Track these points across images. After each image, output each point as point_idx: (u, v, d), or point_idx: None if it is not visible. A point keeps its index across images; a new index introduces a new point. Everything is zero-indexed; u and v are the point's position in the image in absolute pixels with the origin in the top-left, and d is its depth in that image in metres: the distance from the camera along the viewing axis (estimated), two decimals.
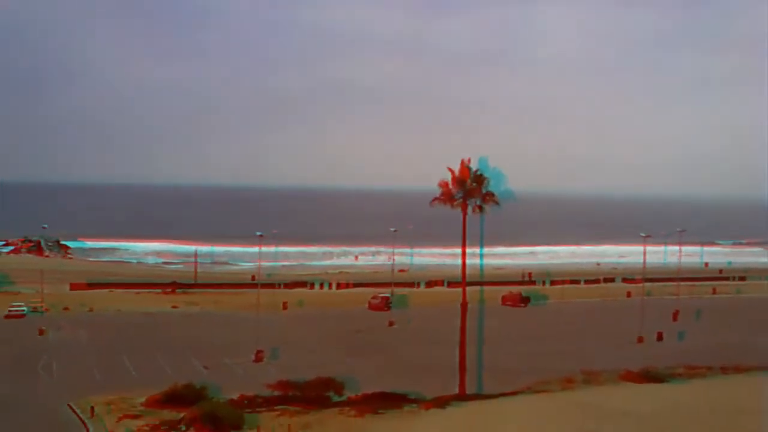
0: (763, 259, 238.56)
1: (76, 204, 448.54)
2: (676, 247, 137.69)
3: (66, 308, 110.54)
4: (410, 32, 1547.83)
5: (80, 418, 55.86)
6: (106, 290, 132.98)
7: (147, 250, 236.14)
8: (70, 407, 58.49)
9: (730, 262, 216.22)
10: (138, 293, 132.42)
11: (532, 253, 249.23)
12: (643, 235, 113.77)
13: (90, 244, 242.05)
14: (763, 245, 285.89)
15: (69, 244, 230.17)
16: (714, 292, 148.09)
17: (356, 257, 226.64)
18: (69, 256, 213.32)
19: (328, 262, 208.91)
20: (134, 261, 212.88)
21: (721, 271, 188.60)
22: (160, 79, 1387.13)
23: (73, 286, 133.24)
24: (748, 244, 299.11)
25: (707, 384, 65.29)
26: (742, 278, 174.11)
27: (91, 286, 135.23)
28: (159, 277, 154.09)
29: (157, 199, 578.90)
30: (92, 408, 56.91)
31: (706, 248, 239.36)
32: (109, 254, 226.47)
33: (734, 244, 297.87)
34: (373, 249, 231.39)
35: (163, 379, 65.14)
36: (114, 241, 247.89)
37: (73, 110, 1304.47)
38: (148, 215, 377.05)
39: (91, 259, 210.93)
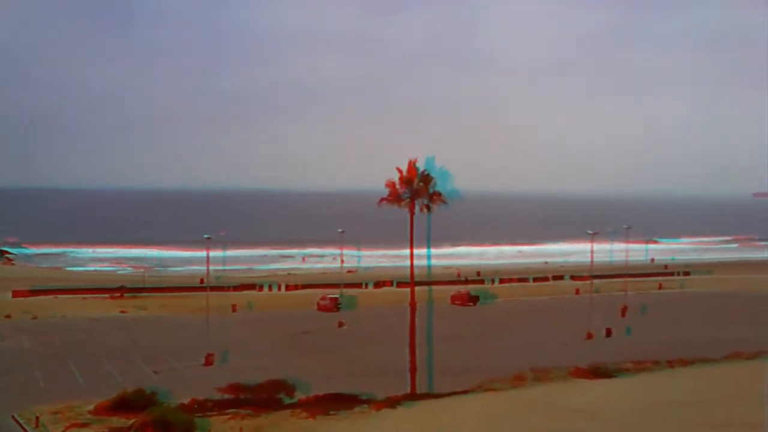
0: (708, 256, 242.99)
1: (23, 209, 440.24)
2: (623, 245, 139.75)
3: (8, 316, 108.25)
4: (357, 31, 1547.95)
5: (24, 429, 54.77)
6: (51, 296, 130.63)
7: (95, 256, 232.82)
8: (14, 418, 57.26)
9: (674, 258, 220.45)
10: (85, 299, 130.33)
11: (480, 252, 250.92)
12: (590, 232, 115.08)
13: (34, 250, 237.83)
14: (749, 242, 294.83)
15: (12, 250, 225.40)
16: (660, 287, 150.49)
17: (303, 259, 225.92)
18: (11, 262, 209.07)
19: (276, 266, 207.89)
20: (81, 267, 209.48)
21: (666, 266, 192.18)
22: (106, 81, 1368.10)
23: (16, 293, 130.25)
24: (738, 240, 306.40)
25: (654, 378, 66.25)
26: (686, 273, 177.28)
27: (34, 292, 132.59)
28: (107, 282, 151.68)
29: (105, 203, 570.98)
30: (37, 418, 55.82)
31: (652, 245, 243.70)
32: (55, 260, 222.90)
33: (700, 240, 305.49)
34: (321, 251, 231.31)
35: (112, 386, 64.22)
36: (60, 246, 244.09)
37: (19, 114, 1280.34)
38: (97, 220, 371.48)
39: (35, 265, 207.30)
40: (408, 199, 62.28)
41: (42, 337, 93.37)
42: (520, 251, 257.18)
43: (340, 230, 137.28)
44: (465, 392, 61.86)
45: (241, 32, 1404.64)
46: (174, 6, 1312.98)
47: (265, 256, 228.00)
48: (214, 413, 55.75)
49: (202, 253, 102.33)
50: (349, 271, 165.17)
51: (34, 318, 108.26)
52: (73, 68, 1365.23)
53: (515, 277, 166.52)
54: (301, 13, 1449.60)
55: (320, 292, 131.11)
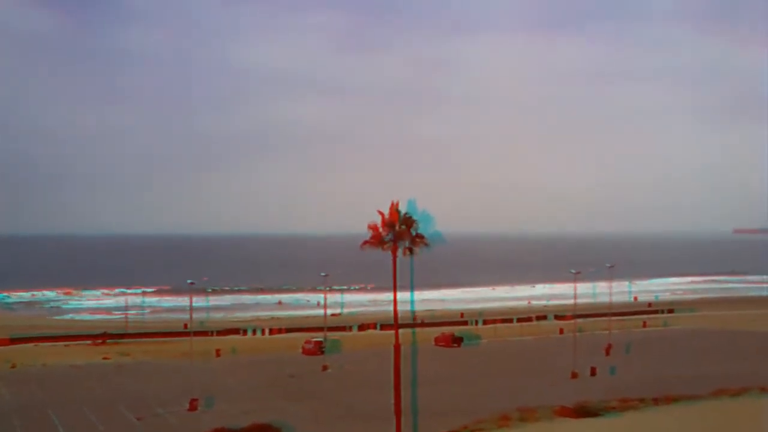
0: (691, 294, 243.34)
1: (3, 256, 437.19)
2: (606, 283, 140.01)
3: None
4: (334, 72, 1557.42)
5: None
6: (31, 344, 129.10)
7: (76, 302, 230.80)
8: None
9: (657, 296, 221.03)
10: (66, 346, 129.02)
11: (464, 293, 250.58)
12: (573, 272, 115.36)
13: (14, 297, 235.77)
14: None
15: None
16: (644, 325, 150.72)
17: (279, 302, 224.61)
18: None
19: (260, 312, 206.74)
20: (63, 315, 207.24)
21: (650, 304, 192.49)
22: (84, 128, 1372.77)
23: None
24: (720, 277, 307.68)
25: (640, 416, 66.25)
26: (670, 311, 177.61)
27: (14, 341, 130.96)
28: (89, 329, 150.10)
29: (85, 249, 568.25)
30: None
31: (635, 284, 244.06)
32: (36, 307, 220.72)
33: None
34: (303, 295, 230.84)
35: None
36: (41, 293, 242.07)
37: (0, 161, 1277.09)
38: (77, 266, 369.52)
39: (14, 312, 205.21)
40: (391, 242, 62.29)
41: (21, 385, 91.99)
42: (503, 292, 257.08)
43: (323, 274, 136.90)
44: None
45: (219, 77, 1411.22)
46: (149, 50, 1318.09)
47: (249, 300, 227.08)
48: None
49: (185, 299, 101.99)
50: (332, 315, 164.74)
51: (13, 367, 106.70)
52: (53, 113, 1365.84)
53: (499, 318, 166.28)
54: (280, 56, 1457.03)
55: (304, 335, 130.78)
